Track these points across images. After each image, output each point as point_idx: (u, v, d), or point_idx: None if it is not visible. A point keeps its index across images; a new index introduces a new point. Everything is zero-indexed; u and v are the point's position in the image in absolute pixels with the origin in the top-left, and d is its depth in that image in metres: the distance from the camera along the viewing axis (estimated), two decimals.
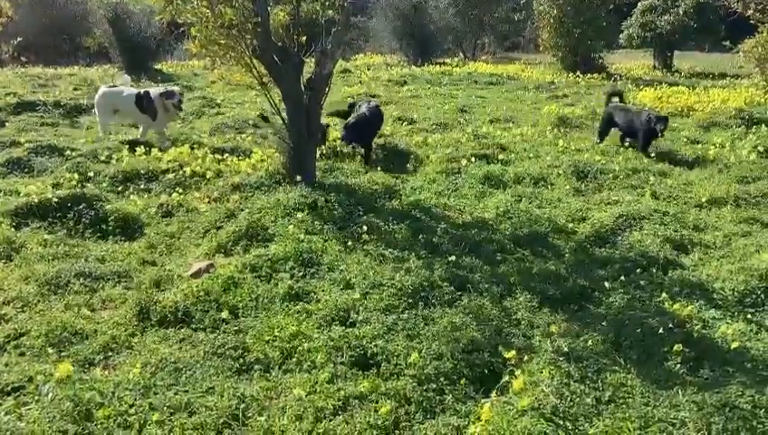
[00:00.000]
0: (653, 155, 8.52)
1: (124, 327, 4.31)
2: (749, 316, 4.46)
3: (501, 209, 6.49)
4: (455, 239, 5.72)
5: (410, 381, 3.66)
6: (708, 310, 4.53)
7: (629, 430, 3.24)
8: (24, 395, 3.54)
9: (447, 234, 5.83)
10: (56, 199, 6.24)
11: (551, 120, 10.93)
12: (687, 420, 3.28)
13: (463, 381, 3.71)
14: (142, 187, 7.30)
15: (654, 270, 5.15)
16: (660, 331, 4.12)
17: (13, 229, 5.90)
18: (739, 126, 10.11)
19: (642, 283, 4.94)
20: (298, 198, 6.30)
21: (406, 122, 11.13)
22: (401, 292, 4.62)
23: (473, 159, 8.27)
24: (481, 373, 3.82)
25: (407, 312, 4.43)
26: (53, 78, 15.55)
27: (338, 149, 8.59)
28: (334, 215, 6.13)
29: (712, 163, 8.14)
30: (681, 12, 20.79)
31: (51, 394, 3.45)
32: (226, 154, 8.38)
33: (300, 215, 6.02)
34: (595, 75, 18.13)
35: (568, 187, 7.35)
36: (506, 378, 3.67)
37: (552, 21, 19.70)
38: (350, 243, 5.52)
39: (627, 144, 8.99)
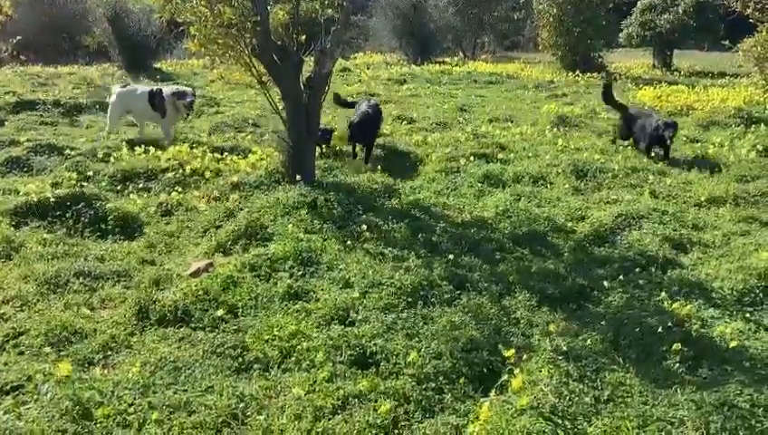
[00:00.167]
0: (667, 162, 8.29)
1: (123, 326, 4.31)
2: (747, 315, 4.47)
3: (500, 208, 6.49)
4: (454, 238, 5.72)
5: (409, 380, 3.67)
6: (707, 309, 4.54)
7: (628, 428, 3.25)
8: (23, 394, 3.54)
9: (447, 233, 5.83)
10: (55, 198, 6.24)
11: (550, 119, 10.93)
12: (686, 419, 3.29)
13: (462, 380, 3.72)
14: (141, 186, 7.29)
15: (653, 269, 5.16)
16: (659, 330, 4.13)
17: (12, 228, 5.90)
18: (738, 125, 10.11)
19: (641, 282, 4.95)
20: (297, 197, 6.30)
21: (405, 121, 11.13)
22: (400, 291, 4.62)
23: (472, 158, 8.28)
24: (480, 372, 3.83)
25: (406, 311, 4.43)
26: (53, 77, 15.53)
27: (337, 148, 8.60)
28: (333, 214, 6.13)
29: (711, 162, 8.14)
30: (680, 11, 20.78)
31: (50, 393, 3.45)
32: (226, 153, 8.37)
33: (299, 214, 6.02)
34: (594, 74, 18.12)
35: (567, 186, 7.35)
36: (505, 377, 3.68)
37: (551, 20, 19.69)
38: (349, 242, 5.52)
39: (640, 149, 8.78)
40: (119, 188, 7.27)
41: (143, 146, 8.42)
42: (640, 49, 23.22)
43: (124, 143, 8.73)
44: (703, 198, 6.82)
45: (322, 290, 4.76)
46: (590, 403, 3.46)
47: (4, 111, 11.15)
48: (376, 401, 3.47)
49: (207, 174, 7.43)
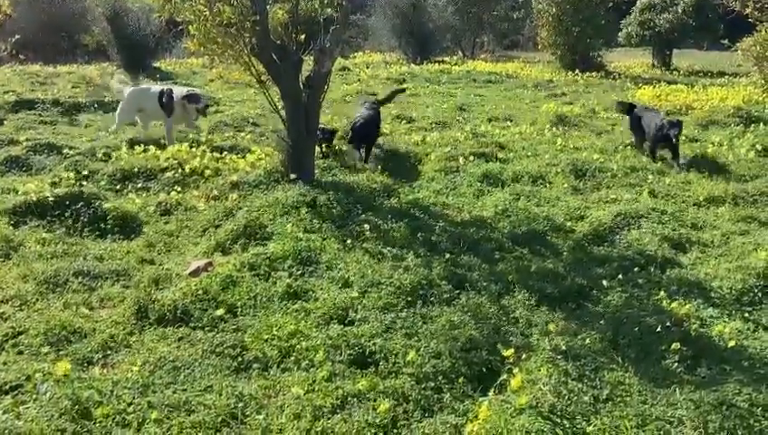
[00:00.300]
0: (679, 170, 7.94)
1: (122, 326, 4.31)
2: (746, 315, 4.47)
3: (499, 208, 6.49)
4: (453, 238, 5.73)
5: (408, 379, 3.67)
6: (706, 308, 4.54)
7: (627, 428, 3.25)
8: (23, 394, 3.54)
9: (446, 232, 5.84)
10: (54, 198, 6.24)
11: (549, 118, 10.92)
12: (685, 419, 3.29)
13: (461, 380, 3.72)
14: (141, 185, 7.28)
15: (652, 269, 5.16)
16: (658, 329, 4.13)
17: (11, 228, 5.90)
18: (737, 124, 10.10)
19: (640, 281, 4.95)
20: (297, 197, 6.30)
21: (404, 121, 11.12)
22: (400, 290, 4.62)
23: (471, 157, 8.28)
24: (479, 372, 3.83)
25: (405, 310, 4.43)
26: (52, 76, 15.52)
27: (336, 148, 8.59)
28: (333, 213, 6.13)
29: (710, 162, 8.14)
30: (680, 10, 20.79)
31: (49, 393, 3.45)
32: (225, 152, 8.36)
33: (298, 213, 6.02)
34: (594, 74, 18.14)
35: (566, 185, 7.35)
36: (504, 376, 3.68)
37: (550, 19, 19.70)
38: (348, 241, 5.52)
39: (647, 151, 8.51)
40: (118, 187, 7.27)
41: (142, 145, 8.42)
42: (640, 48, 23.22)
43: (123, 142, 8.72)
44: (702, 198, 6.83)
45: (321, 289, 4.76)
46: (589, 402, 3.46)
47: (3, 110, 11.15)
48: (375, 401, 3.48)
49: (207, 173, 7.43)
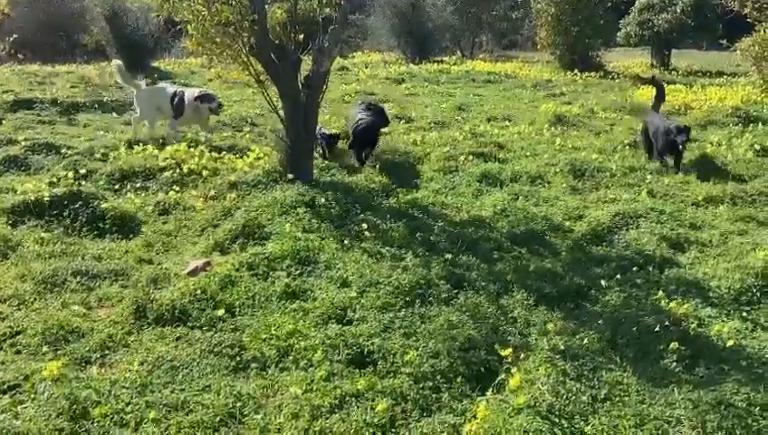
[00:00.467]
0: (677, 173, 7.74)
1: (121, 325, 4.31)
2: (744, 314, 4.47)
3: (498, 208, 6.49)
4: (452, 237, 5.73)
5: (407, 379, 3.67)
6: (704, 308, 4.54)
7: (625, 427, 3.25)
8: (20, 393, 3.53)
9: (444, 232, 5.84)
10: (53, 197, 6.23)
11: (548, 118, 10.93)
12: (683, 418, 3.30)
13: (459, 379, 3.72)
14: (139, 185, 7.27)
15: (650, 268, 5.16)
16: (656, 329, 4.14)
17: (9, 227, 5.90)
18: (736, 124, 10.11)
19: (638, 281, 4.96)
20: (295, 197, 6.30)
21: (403, 121, 11.12)
22: (398, 290, 4.62)
23: (470, 157, 8.28)
24: (477, 371, 3.83)
25: (403, 310, 4.43)
26: (50, 75, 15.51)
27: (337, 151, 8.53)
28: (331, 213, 6.13)
29: (709, 161, 8.14)
30: (679, 10, 20.78)
31: (47, 392, 3.45)
32: (224, 152, 8.36)
33: (297, 213, 6.02)
34: (592, 73, 18.13)
35: (565, 185, 7.35)
36: (503, 376, 3.68)
37: (549, 19, 19.69)
38: (347, 241, 5.52)
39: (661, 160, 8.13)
40: (116, 187, 7.26)
41: (141, 145, 8.41)
42: (638, 48, 23.23)
43: (122, 142, 8.71)
44: (700, 198, 6.83)
45: (320, 289, 4.76)
46: (588, 402, 3.46)
47: (1, 109, 11.15)
48: (373, 400, 3.47)
49: (205, 173, 7.42)
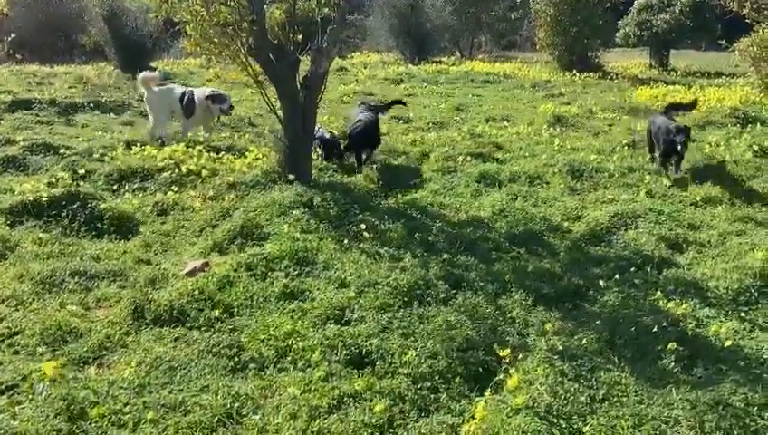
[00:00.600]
0: (677, 174, 7.55)
1: (119, 326, 4.31)
2: (743, 315, 4.47)
3: (496, 208, 6.49)
4: (450, 238, 5.73)
5: (405, 379, 3.67)
6: (702, 308, 4.54)
7: (623, 428, 3.25)
8: (18, 394, 3.53)
9: (443, 232, 5.84)
10: (51, 198, 6.23)
11: (546, 118, 10.93)
12: (681, 418, 3.30)
13: (457, 380, 3.72)
14: (137, 185, 7.27)
15: (648, 269, 5.17)
16: (654, 329, 4.14)
17: (7, 228, 5.90)
18: (734, 125, 10.11)
19: (637, 281, 4.96)
20: (294, 197, 6.30)
21: (402, 121, 11.13)
22: (396, 290, 4.62)
23: (469, 157, 8.28)
24: (476, 372, 3.83)
25: (402, 310, 4.43)
26: (49, 76, 15.50)
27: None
28: (330, 213, 6.13)
29: (707, 162, 8.14)
30: (677, 11, 20.80)
31: (45, 393, 3.44)
32: (222, 152, 8.36)
33: (295, 213, 6.02)
34: (591, 74, 18.15)
35: (563, 185, 7.35)
36: (501, 376, 3.68)
37: (548, 19, 19.71)
38: (345, 242, 5.52)
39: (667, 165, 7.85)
40: (114, 187, 7.26)
41: (139, 145, 8.41)
42: (637, 49, 23.24)
43: (120, 143, 8.71)
44: (699, 198, 6.83)
45: (318, 290, 4.76)
46: (586, 402, 3.46)
47: None
48: (371, 401, 3.47)
49: (204, 173, 7.41)
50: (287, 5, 6.92)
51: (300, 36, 6.88)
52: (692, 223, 6.18)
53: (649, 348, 4.01)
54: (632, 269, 5.16)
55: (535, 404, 3.37)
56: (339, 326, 4.23)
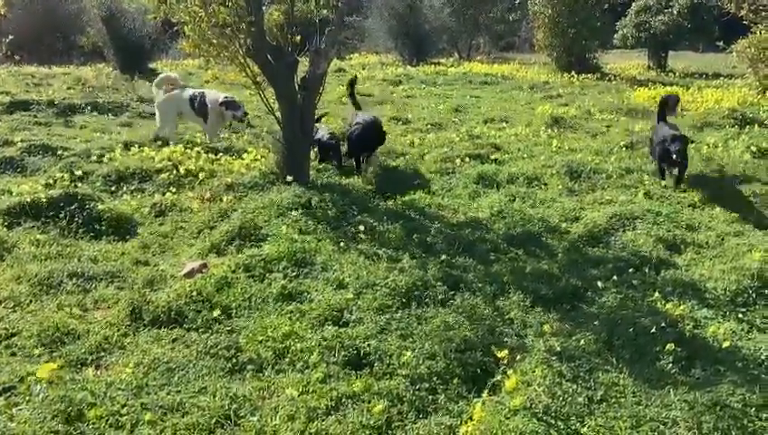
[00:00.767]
0: (677, 188, 7.18)
1: (117, 327, 4.30)
2: (740, 316, 4.48)
3: (494, 209, 6.49)
4: (448, 239, 5.73)
5: (403, 380, 3.67)
6: (700, 309, 4.55)
7: (621, 429, 3.26)
8: (16, 395, 3.52)
9: (441, 233, 5.84)
10: (49, 199, 6.22)
11: (545, 120, 10.95)
12: (679, 419, 3.30)
13: (455, 381, 3.72)
14: (135, 186, 7.27)
15: (646, 270, 5.17)
16: (652, 330, 4.14)
17: (5, 229, 5.88)
18: (732, 126, 10.13)
19: (635, 282, 4.96)
20: (292, 198, 6.30)
21: (400, 122, 11.13)
22: (395, 291, 4.62)
23: (467, 158, 8.28)
24: (474, 373, 3.83)
25: (400, 311, 4.43)
26: (47, 77, 15.48)
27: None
28: (328, 214, 6.13)
29: (705, 163, 8.15)
30: (675, 12, 20.84)
31: (42, 394, 3.44)
32: (220, 154, 8.35)
33: (293, 215, 6.01)
34: (589, 75, 18.16)
35: (561, 187, 7.36)
36: (499, 377, 3.68)
37: (546, 21, 19.72)
38: (343, 243, 5.52)
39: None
40: (113, 188, 7.25)
41: (137, 146, 8.40)
42: (635, 50, 23.28)
43: (118, 144, 8.70)
44: (697, 199, 6.84)
45: (316, 291, 4.76)
46: (584, 403, 3.46)
47: None
48: (369, 402, 3.47)
49: (202, 175, 7.41)
50: (285, 7, 6.92)
51: (298, 37, 6.88)
52: (690, 224, 6.18)
53: (647, 349, 4.01)
54: (630, 270, 5.16)
55: (533, 405, 3.37)
56: (337, 327, 4.23)
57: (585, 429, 3.27)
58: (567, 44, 19.59)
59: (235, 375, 3.83)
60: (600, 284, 4.92)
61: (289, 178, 6.76)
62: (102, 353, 4.03)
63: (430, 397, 3.59)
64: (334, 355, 3.91)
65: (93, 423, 3.30)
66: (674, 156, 7.04)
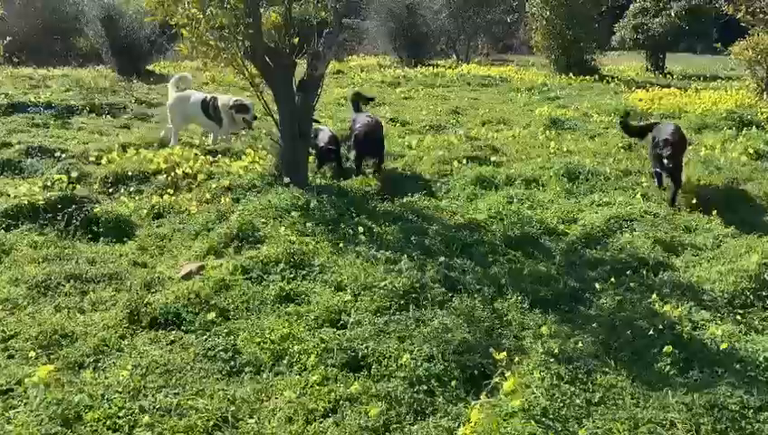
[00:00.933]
0: (673, 205, 6.75)
1: (114, 329, 4.29)
2: (738, 317, 4.49)
3: (492, 211, 6.49)
4: (446, 241, 5.73)
5: (401, 382, 3.67)
6: (698, 311, 4.56)
7: (619, 431, 3.26)
8: (13, 398, 3.52)
9: (439, 235, 5.84)
10: (47, 201, 6.21)
11: (543, 121, 10.95)
12: (677, 421, 3.31)
13: (453, 383, 3.72)
14: (133, 188, 7.25)
15: (644, 272, 5.18)
16: (650, 332, 4.15)
17: (2, 231, 5.87)
18: (730, 128, 10.15)
19: (633, 284, 4.97)
20: (290, 200, 6.29)
21: (399, 124, 11.13)
22: (393, 293, 4.62)
23: (465, 160, 8.28)
24: (472, 375, 3.83)
25: (398, 313, 4.43)
26: (45, 79, 15.46)
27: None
28: (326, 216, 6.12)
29: (703, 165, 8.16)
30: (673, 14, 20.87)
31: (39, 397, 3.43)
32: (219, 155, 8.35)
33: (292, 216, 6.01)
34: (587, 77, 18.18)
35: (559, 188, 7.35)
36: (497, 379, 3.68)
37: (544, 23, 19.72)
38: (341, 244, 5.52)
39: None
40: (110, 190, 7.24)
41: (134, 148, 8.39)
42: (633, 52, 23.29)
43: (116, 146, 8.69)
44: (694, 201, 6.84)
45: (314, 293, 4.76)
46: (582, 405, 3.47)
47: None
48: (367, 404, 3.47)
49: (200, 177, 7.40)
50: (283, 9, 6.92)
51: (296, 39, 6.87)
52: (688, 226, 6.20)
53: (645, 351, 4.02)
54: (628, 272, 5.17)
55: (531, 407, 3.38)
56: (335, 329, 4.23)
57: (583, 431, 3.27)
58: (565, 46, 19.60)
59: (233, 377, 3.83)
60: (597, 285, 4.93)
61: (287, 180, 6.76)
62: (100, 356, 4.01)
63: (428, 399, 3.59)
64: (332, 357, 3.91)
65: (91, 426, 3.30)
66: (665, 160, 6.75)
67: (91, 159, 8.16)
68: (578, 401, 3.48)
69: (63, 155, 8.31)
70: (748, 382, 3.65)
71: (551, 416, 3.34)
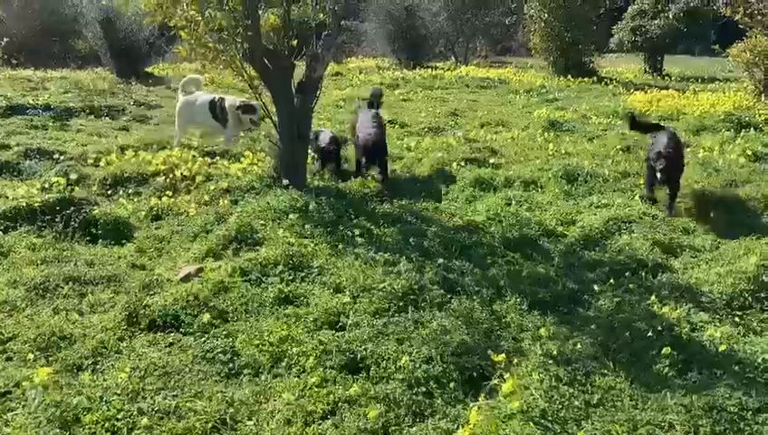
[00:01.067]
0: (670, 214, 6.58)
1: (113, 332, 4.28)
2: (737, 319, 4.50)
3: (491, 213, 6.49)
4: (445, 242, 5.73)
5: (400, 384, 3.67)
6: (697, 313, 4.56)
7: (618, 432, 3.26)
8: (11, 400, 3.51)
9: (438, 237, 5.84)
10: (45, 203, 6.20)
11: (541, 123, 10.96)
12: (675, 423, 3.31)
13: (452, 385, 3.72)
14: (132, 190, 7.24)
15: (643, 273, 5.18)
16: (649, 334, 4.15)
17: (0, 233, 5.87)
18: (728, 130, 10.17)
19: (631, 286, 4.97)
20: (289, 202, 6.29)
21: (397, 126, 11.13)
22: (391, 295, 4.62)
23: (464, 162, 8.29)
24: (470, 377, 3.83)
25: (396, 315, 4.43)
26: (44, 81, 15.44)
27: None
28: (325, 218, 6.12)
29: (701, 166, 8.17)
30: (671, 16, 20.90)
31: (38, 399, 3.42)
32: (217, 157, 8.35)
33: (290, 218, 6.01)
34: (586, 79, 18.20)
35: (558, 190, 7.36)
36: (495, 381, 3.68)
37: (543, 25, 19.75)
38: (340, 246, 5.52)
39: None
40: (109, 192, 7.23)
41: (133, 150, 8.39)
42: (631, 54, 23.32)
43: (115, 148, 8.69)
44: (692, 203, 6.85)
45: (313, 295, 4.75)
46: (580, 407, 3.47)
47: None
48: (366, 406, 3.47)
49: (198, 178, 7.39)
50: (282, 11, 6.92)
51: (295, 41, 6.88)
52: (686, 227, 6.20)
53: (644, 353, 4.02)
54: (627, 274, 5.17)
55: (530, 409, 3.37)
56: (334, 331, 4.23)
57: (582, 432, 3.27)
58: (563, 48, 19.63)
59: (232, 380, 3.82)
60: (596, 287, 4.93)
61: (286, 182, 6.77)
62: (99, 358, 4.01)
63: (427, 401, 3.59)
64: (331, 359, 3.90)
65: (89, 428, 3.29)
66: (658, 174, 6.60)
67: (90, 161, 8.15)
68: (576, 403, 3.48)
69: (62, 157, 8.31)
70: (747, 384, 3.66)
71: (549, 418, 3.34)
